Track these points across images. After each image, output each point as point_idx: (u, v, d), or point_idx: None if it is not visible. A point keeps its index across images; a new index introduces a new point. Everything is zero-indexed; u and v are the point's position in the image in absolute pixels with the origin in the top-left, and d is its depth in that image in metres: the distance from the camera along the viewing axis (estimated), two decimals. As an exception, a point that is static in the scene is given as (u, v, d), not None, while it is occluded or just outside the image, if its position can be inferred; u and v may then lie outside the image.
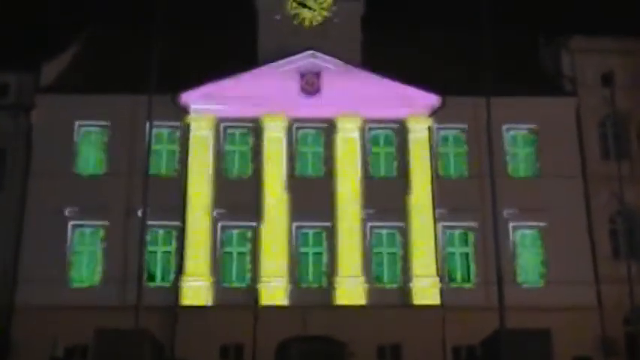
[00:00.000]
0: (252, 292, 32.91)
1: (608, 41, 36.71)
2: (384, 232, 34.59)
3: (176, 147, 35.10)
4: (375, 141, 35.70)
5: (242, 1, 38.09)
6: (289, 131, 35.14)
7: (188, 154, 34.58)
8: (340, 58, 35.29)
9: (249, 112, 34.88)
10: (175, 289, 33.07)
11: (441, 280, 33.73)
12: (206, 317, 32.28)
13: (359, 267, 33.66)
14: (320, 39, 35.82)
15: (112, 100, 34.75)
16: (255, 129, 35.18)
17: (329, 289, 33.49)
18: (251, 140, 35.29)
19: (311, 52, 35.17)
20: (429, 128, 35.35)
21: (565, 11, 43.34)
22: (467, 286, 34.23)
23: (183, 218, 33.84)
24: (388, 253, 34.56)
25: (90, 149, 35.03)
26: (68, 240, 33.63)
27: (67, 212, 33.55)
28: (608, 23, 38.01)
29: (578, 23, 38.56)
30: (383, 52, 36.83)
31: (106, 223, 33.79)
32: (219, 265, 33.70)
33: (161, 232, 34.03)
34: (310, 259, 34.31)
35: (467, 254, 34.72)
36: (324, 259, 34.15)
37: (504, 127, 35.12)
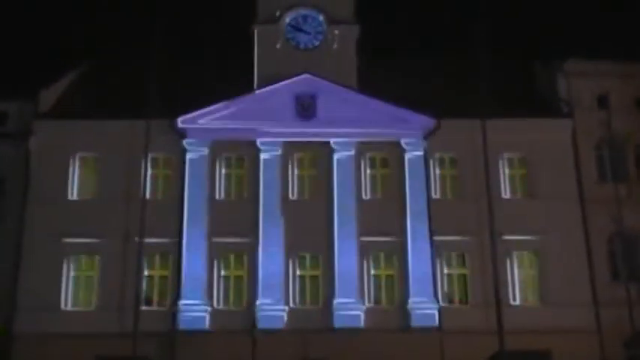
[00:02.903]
0: (250, 316, 32.60)
1: (603, 64, 36.47)
2: (382, 254, 34.26)
3: (172, 172, 34.86)
4: (370, 163, 35.46)
5: (239, 26, 38.21)
6: (285, 154, 34.87)
7: (185, 179, 34.37)
8: (336, 82, 35.19)
9: (245, 135, 34.73)
10: (173, 314, 32.73)
11: (439, 303, 33.39)
12: (204, 342, 31.91)
13: (356, 290, 33.34)
14: (316, 63, 35.64)
15: (109, 126, 34.53)
16: (251, 152, 34.90)
17: (327, 313, 33.11)
18: (247, 164, 35.05)
19: (307, 75, 35.06)
20: (425, 151, 35.10)
21: (560, 35, 43.18)
22: (465, 308, 33.89)
23: (179, 243, 33.59)
24: (386, 276, 34.18)
25: (87, 175, 34.88)
26: (65, 266, 33.44)
27: (64, 238, 33.26)
28: (604, 46, 37.86)
29: (573, 46, 38.29)
30: (378, 75, 36.87)
31: (103, 248, 33.51)
32: (216, 289, 33.41)
33: (158, 256, 33.69)
34: (308, 282, 33.97)
35: (464, 276, 34.34)
36: (322, 282, 33.76)
37: (500, 149, 34.76)
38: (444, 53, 40.79)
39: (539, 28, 45.99)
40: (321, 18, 36.66)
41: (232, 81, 35.71)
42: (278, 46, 36.35)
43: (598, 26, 45.13)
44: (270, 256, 33.41)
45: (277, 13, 36.64)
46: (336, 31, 36.54)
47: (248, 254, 33.71)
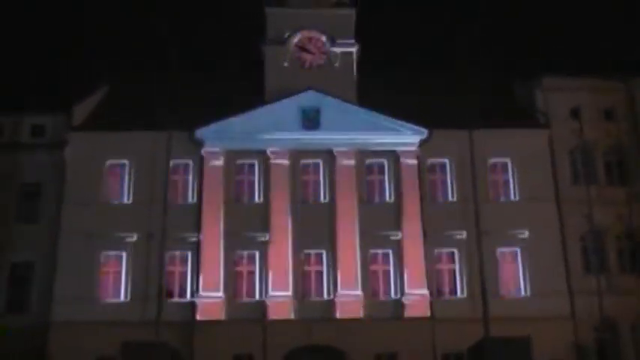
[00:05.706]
0: (261, 307, 33.79)
1: (575, 80, 37.66)
2: (379, 251, 35.34)
3: (192, 178, 35.92)
4: (369, 170, 36.55)
5: (251, 48, 39.37)
6: (292, 162, 35.98)
7: (202, 184, 35.45)
8: (338, 96, 36.33)
9: (256, 145, 35.91)
10: (192, 305, 33.82)
11: (431, 295, 34.48)
12: (220, 330, 32.98)
13: (357, 283, 34.38)
14: (319, 79, 36.81)
15: (135, 137, 35.74)
16: (262, 160, 36.07)
17: (330, 304, 34.18)
18: (258, 171, 36.11)
19: (311, 91, 36.19)
20: (418, 158, 36.25)
21: (538, 53, 44.64)
22: (454, 299, 34.96)
23: (198, 241, 34.72)
24: (383, 271, 35.27)
25: (116, 181, 35.92)
26: (97, 262, 34.52)
27: (96, 237, 34.34)
28: (577, 64, 39.18)
29: (549, 64, 39.67)
30: (377, 89, 37.88)
31: (130, 246, 34.62)
32: (231, 283, 34.40)
33: (178, 253, 34.71)
34: (313, 276, 34.98)
35: (454, 270, 35.46)
36: (326, 276, 34.85)
37: (486, 156, 36.00)
38: (436, 70, 41.54)
39: (522, 46, 47.44)
40: (324, 39, 37.89)
41: (245, 96, 36.68)
42: (285, 64, 37.53)
43: (571, 46, 46.74)
44: (280, 253, 34.46)
45: (285, 36, 37.85)
46: (338, 51, 37.72)
47: (259, 251, 34.82)
